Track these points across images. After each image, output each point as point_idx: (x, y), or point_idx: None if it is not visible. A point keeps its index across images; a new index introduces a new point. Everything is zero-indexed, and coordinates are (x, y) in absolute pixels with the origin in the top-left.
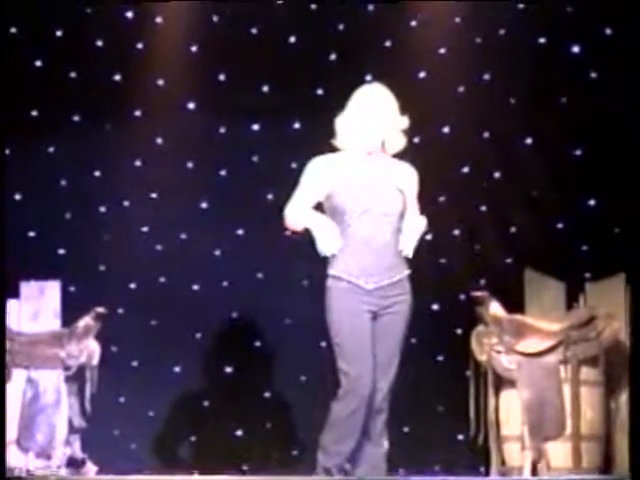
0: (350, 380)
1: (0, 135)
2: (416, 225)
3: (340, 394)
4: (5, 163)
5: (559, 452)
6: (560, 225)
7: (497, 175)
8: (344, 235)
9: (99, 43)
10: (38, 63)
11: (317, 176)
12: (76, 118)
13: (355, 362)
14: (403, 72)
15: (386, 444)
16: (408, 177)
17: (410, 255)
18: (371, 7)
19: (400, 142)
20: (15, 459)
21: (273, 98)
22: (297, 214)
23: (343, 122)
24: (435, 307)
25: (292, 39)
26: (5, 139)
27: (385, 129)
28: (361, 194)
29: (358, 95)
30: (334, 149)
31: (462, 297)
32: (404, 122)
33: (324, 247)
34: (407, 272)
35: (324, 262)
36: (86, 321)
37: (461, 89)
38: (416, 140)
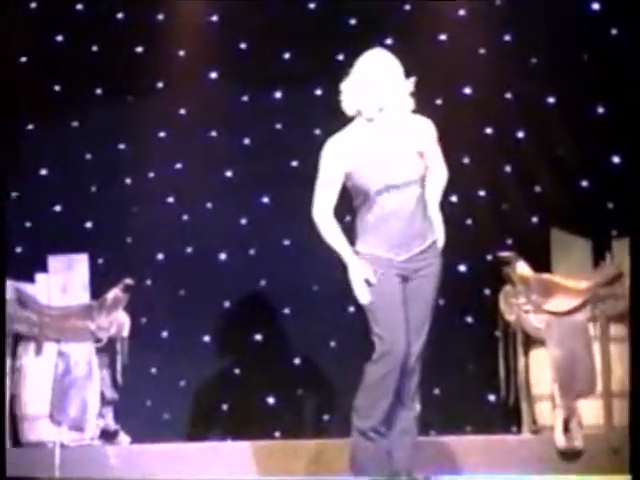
0: (384, 343)
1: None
2: (437, 183)
3: (375, 357)
4: (28, 138)
5: (590, 410)
6: (585, 183)
7: (521, 135)
8: (370, 212)
9: (119, 16)
10: (59, 38)
11: (334, 163)
12: (99, 91)
13: (388, 325)
14: (423, 35)
15: (418, 407)
16: (426, 133)
17: (438, 214)
18: None
19: (407, 104)
20: (48, 432)
21: (294, 65)
22: (326, 226)
23: (347, 87)
24: (462, 268)
25: (312, 5)
26: (27, 114)
27: (389, 90)
28: (380, 170)
29: (360, 60)
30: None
31: (489, 257)
32: (409, 86)
33: (359, 295)
34: (436, 235)
35: (351, 227)
36: (115, 293)
37: (482, 50)
38: (438, 102)
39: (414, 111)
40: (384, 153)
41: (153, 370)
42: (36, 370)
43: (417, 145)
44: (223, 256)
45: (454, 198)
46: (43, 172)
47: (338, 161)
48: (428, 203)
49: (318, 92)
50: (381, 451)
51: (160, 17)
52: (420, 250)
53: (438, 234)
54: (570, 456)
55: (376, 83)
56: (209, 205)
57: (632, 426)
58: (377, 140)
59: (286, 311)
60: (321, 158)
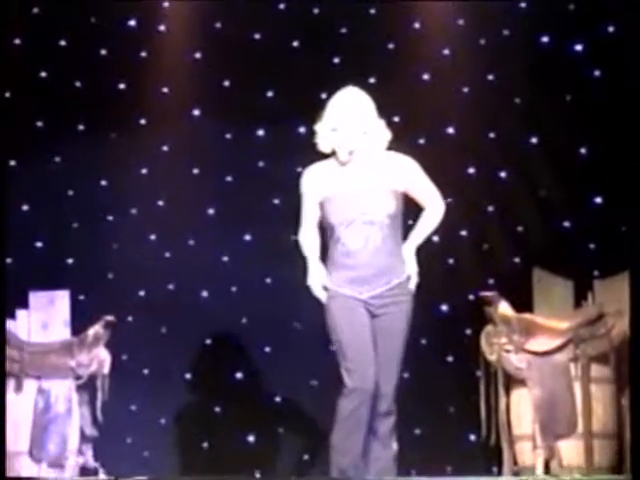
0: (352, 375)
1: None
2: (430, 217)
3: (345, 392)
4: (10, 174)
5: (571, 450)
6: (567, 224)
7: (503, 175)
8: (336, 247)
9: (103, 52)
10: (43, 73)
11: (309, 190)
12: (81, 127)
13: (355, 357)
14: (407, 74)
15: (395, 446)
16: (404, 170)
17: (411, 253)
18: (373, 10)
19: (381, 141)
20: (28, 469)
21: (278, 103)
22: (303, 238)
23: (321, 127)
24: (444, 308)
25: (295, 43)
26: (9, 150)
27: (359, 131)
28: (347, 206)
29: (335, 99)
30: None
31: (471, 297)
32: (381, 123)
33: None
34: (406, 274)
35: None
36: (96, 330)
37: (465, 90)
38: (421, 141)
39: (395, 149)
40: (353, 189)
41: (133, 407)
42: (16, 407)
43: (391, 183)
44: (205, 293)
45: (436, 238)
46: (25, 207)
47: (311, 189)
48: (408, 240)
49: (301, 130)
50: None
51: (143, 54)
52: (386, 289)
53: (411, 273)
54: None
55: (346, 125)
56: (191, 242)
57: (632, 427)
58: (348, 176)
59: (267, 349)
60: (301, 183)
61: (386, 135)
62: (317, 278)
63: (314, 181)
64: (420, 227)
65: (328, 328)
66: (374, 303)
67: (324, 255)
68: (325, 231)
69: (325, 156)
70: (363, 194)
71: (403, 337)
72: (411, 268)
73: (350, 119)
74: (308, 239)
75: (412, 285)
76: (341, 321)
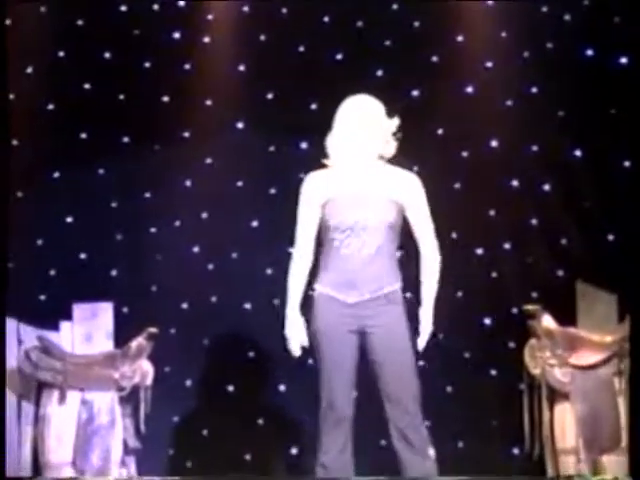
0: (324, 399)
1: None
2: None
3: (321, 408)
4: (54, 186)
5: (615, 464)
6: (611, 237)
7: (547, 188)
8: (330, 250)
9: (147, 64)
10: (87, 86)
11: (312, 193)
12: (125, 140)
13: (330, 378)
14: (450, 87)
15: (432, 452)
16: (407, 186)
17: (428, 315)
18: (417, 23)
19: (392, 145)
20: None
21: (321, 115)
22: (293, 267)
23: (332, 141)
24: (487, 321)
25: (339, 56)
26: (53, 161)
27: (373, 137)
28: (345, 210)
29: (341, 110)
30: None
31: (514, 311)
32: (393, 124)
33: (291, 349)
34: (397, 285)
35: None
36: (139, 341)
37: (509, 103)
38: (465, 154)
39: (440, 162)
40: (354, 194)
41: (176, 419)
42: (59, 418)
43: (393, 194)
44: (248, 306)
45: (480, 251)
46: (69, 219)
47: (311, 198)
48: (422, 305)
49: None
50: None
51: (187, 66)
52: (371, 297)
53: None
54: None
55: (360, 130)
56: (234, 255)
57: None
58: (351, 181)
59: (310, 362)
60: (300, 189)
61: (394, 143)
62: (296, 330)
63: (317, 185)
64: (426, 285)
65: (309, 336)
66: (359, 313)
67: (317, 256)
68: (321, 234)
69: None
70: (364, 200)
71: (403, 347)
72: (426, 327)
73: (363, 131)
74: (298, 267)
75: (421, 343)
76: (322, 338)
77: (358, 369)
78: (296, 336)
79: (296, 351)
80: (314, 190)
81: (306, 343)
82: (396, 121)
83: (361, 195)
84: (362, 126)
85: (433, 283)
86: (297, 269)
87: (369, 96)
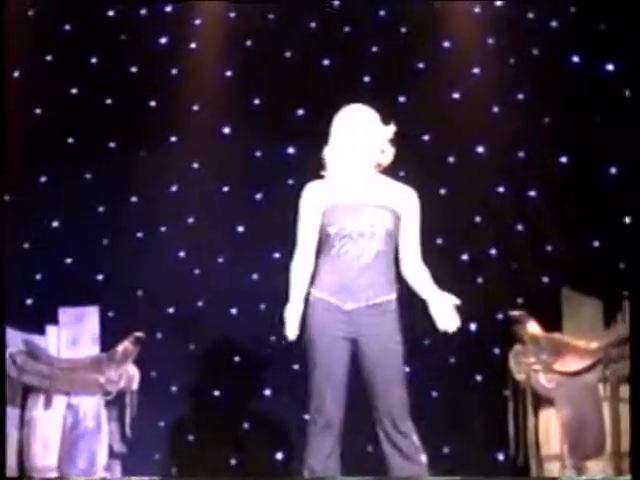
0: (313, 401)
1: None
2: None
3: (310, 411)
4: (40, 190)
5: (599, 471)
6: (596, 243)
7: (532, 194)
8: (327, 256)
9: (134, 69)
10: (74, 90)
11: (312, 202)
12: (112, 144)
13: (320, 383)
14: (437, 93)
15: (424, 458)
16: (405, 200)
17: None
18: (404, 29)
19: (389, 153)
20: None
21: (308, 121)
22: (294, 264)
23: (329, 152)
24: (472, 327)
25: (326, 62)
26: (40, 166)
27: (370, 146)
28: (342, 218)
29: (337, 121)
30: None
31: (499, 316)
32: (389, 132)
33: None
34: (393, 295)
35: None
36: (125, 346)
37: (495, 109)
38: (451, 160)
39: (426, 167)
40: (353, 201)
41: (162, 424)
42: (45, 422)
43: (390, 203)
44: (234, 311)
45: (465, 256)
46: (55, 224)
47: (310, 207)
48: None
49: None
50: None
51: (174, 71)
52: (368, 305)
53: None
54: None
55: (356, 141)
56: (220, 259)
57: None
58: (348, 190)
59: (295, 367)
60: (300, 199)
61: (391, 149)
62: (295, 313)
63: (317, 193)
64: (421, 280)
65: (303, 342)
66: (354, 321)
67: (315, 263)
68: (320, 241)
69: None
70: (363, 208)
71: (394, 358)
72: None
73: (358, 139)
74: (301, 266)
75: (454, 324)
76: (315, 345)
77: (349, 375)
78: (294, 319)
79: (292, 334)
80: (314, 198)
81: (312, 290)
82: (392, 128)
83: (360, 203)
84: (358, 136)
85: (427, 277)
86: (298, 269)
87: (363, 105)
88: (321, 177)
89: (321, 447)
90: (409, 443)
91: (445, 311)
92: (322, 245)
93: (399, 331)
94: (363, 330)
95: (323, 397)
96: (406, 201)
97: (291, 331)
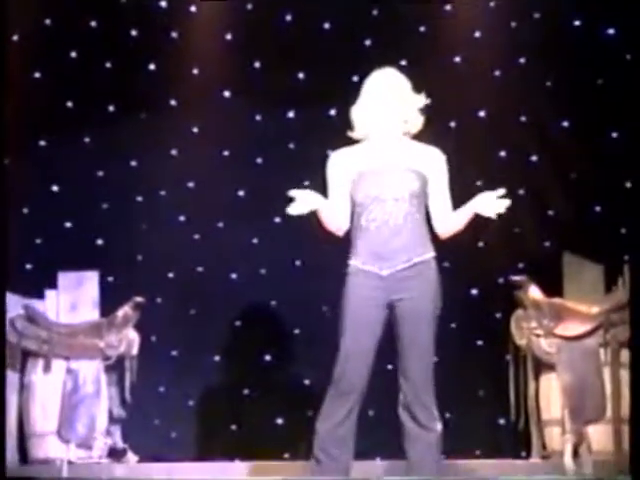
0: (338, 366)
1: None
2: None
3: (332, 382)
4: (39, 154)
5: (600, 435)
6: (598, 208)
7: (534, 158)
8: (359, 223)
9: (133, 33)
10: (73, 54)
11: (339, 169)
12: (111, 108)
13: (347, 351)
14: (438, 57)
15: (439, 427)
16: (431, 160)
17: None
18: None
19: (418, 121)
20: (56, 450)
21: (308, 85)
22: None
23: (358, 112)
24: (474, 292)
25: (326, 25)
26: (39, 130)
27: (400, 112)
28: (371, 182)
29: (369, 83)
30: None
31: (501, 281)
32: (420, 101)
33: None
34: (428, 255)
35: None
36: (125, 311)
37: (497, 73)
38: (452, 124)
39: (427, 132)
40: (379, 167)
41: (162, 389)
42: (44, 387)
43: (417, 164)
44: (234, 275)
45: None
46: (54, 188)
47: (338, 173)
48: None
49: (331, 112)
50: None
51: (174, 35)
52: (404, 267)
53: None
54: None
55: (388, 104)
56: (220, 224)
57: (632, 422)
58: (376, 156)
59: (296, 331)
60: (327, 167)
61: (420, 118)
62: (305, 194)
63: (344, 161)
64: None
65: (340, 309)
66: (393, 286)
67: (348, 233)
68: (354, 209)
69: (356, 141)
70: (388, 172)
71: (431, 321)
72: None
73: (391, 105)
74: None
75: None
76: (350, 312)
77: (378, 346)
78: (302, 196)
79: (295, 210)
80: (341, 166)
81: (310, 207)
82: (423, 97)
83: (385, 168)
84: (389, 101)
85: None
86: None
87: (396, 70)
88: (322, 141)
89: (334, 413)
90: (428, 414)
91: (489, 198)
92: (353, 214)
93: (439, 294)
94: (399, 295)
95: (348, 362)
96: (432, 162)
97: (296, 207)
